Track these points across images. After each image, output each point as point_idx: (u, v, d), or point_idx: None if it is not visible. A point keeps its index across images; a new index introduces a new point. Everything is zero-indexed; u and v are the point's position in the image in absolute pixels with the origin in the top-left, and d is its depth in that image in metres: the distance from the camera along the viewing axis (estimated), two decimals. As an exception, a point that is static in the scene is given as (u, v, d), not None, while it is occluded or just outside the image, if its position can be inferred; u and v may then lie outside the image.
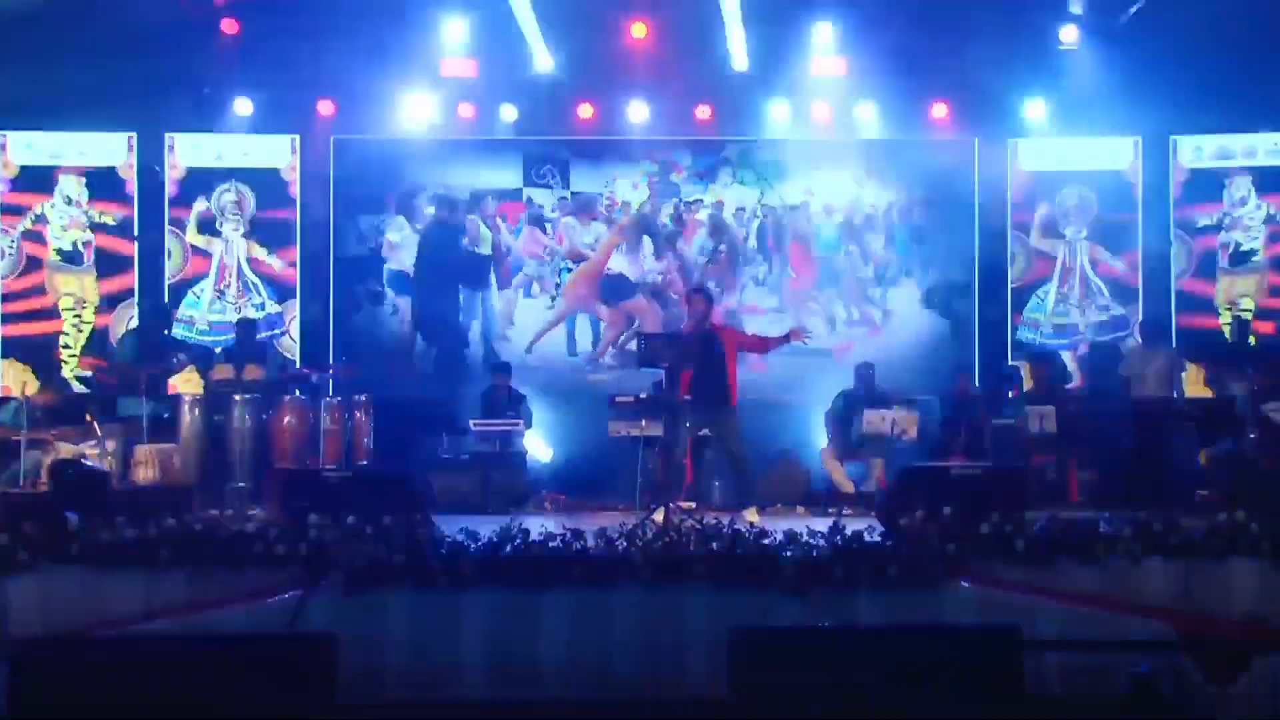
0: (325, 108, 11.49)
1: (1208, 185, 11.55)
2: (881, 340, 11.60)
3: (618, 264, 11.84)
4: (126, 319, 11.33)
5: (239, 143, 11.57)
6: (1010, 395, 10.58)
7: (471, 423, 10.26)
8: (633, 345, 11.54)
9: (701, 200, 11.87)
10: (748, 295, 11.79)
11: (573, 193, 11.87)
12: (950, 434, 10.16)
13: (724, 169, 11.91)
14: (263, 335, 10.91)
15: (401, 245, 11.79)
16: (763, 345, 9.30)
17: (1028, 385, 10.65)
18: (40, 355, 11.25)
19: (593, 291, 11.84)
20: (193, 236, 11.62)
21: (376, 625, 6.18)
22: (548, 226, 11.83)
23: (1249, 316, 11.21)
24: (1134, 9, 10.76)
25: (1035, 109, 11.43)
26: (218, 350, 10.51)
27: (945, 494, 6.84)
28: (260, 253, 11.67)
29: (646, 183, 11.86)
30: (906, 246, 11.79)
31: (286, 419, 9.27)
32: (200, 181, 11.61)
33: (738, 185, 11.89)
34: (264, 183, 11.66)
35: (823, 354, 11.33)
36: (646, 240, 11.86)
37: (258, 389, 9.33)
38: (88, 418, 8.93)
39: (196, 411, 9.16)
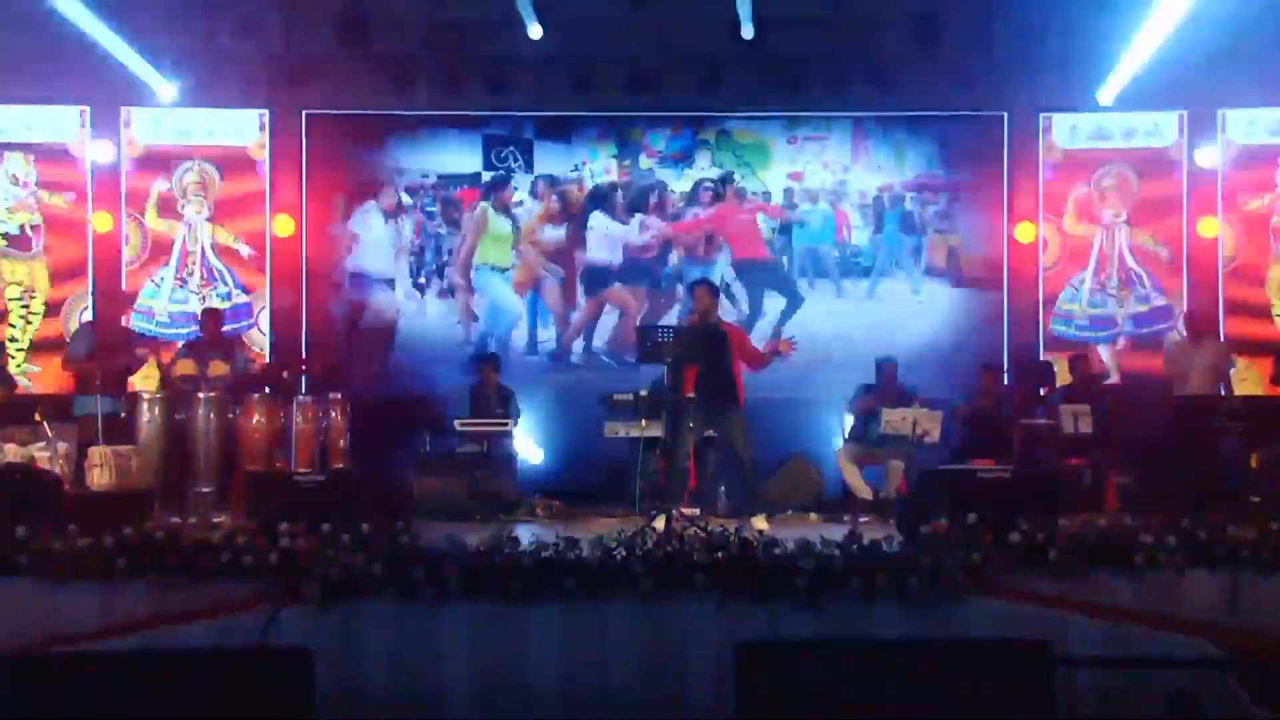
0: (296, 79, 11.50)
1: (1260, 163, 11.59)
2: (899, 333, 11.66)
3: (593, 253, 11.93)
4: (80, 310, 11.37)
5: (203, 118, 11.60)
6: (1042, 393, 10.63)
7: (456, 422, 10.31)
8: (604, 341, 11.64)
9: (667, 184, 11.92)
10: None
11: (536, 178, 11.93)
12: (976, 435, 10.21)
13: (701, 151, 11.95)
14: (229, 327, 10.93)
15: (380, 230, 11.86)
16: (759, 360, 9.17)
17: (1061, 382, 10.70)
18: (-16, 349, 11.31)
19: (537, 267, 11.92)
20: (152, 220, 11.66)
21: (354, 640, 6.21)
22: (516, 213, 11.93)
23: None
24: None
25: (1071, 80, 11.45)
26: (180, 344, 10.56)
27: (971, 499, 6.90)
28: (226, 238, 11.71)
29: (617, 167, 11.92)
30: (922, 231, 11.86)
31: (255, 418, 9.31)
32: (160, 160, 11.66)
33: (716, 169, 11.95)
34: (230, 161, 11.70)
35: (823, 347, 11.43)
36: (598, 216, 11.88)
37: (224, 385, 9.37)
38: (37, 417, 8.97)
39: (156, 410, 9.21)
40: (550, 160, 11.94)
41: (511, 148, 11.91)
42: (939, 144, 11.85)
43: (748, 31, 11.00)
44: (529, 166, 11.93)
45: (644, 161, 11.95)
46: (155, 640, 6.13)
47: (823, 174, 11.90)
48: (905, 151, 11.86)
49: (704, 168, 11.95)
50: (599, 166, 11.93)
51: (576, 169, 11.94)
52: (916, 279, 11.86)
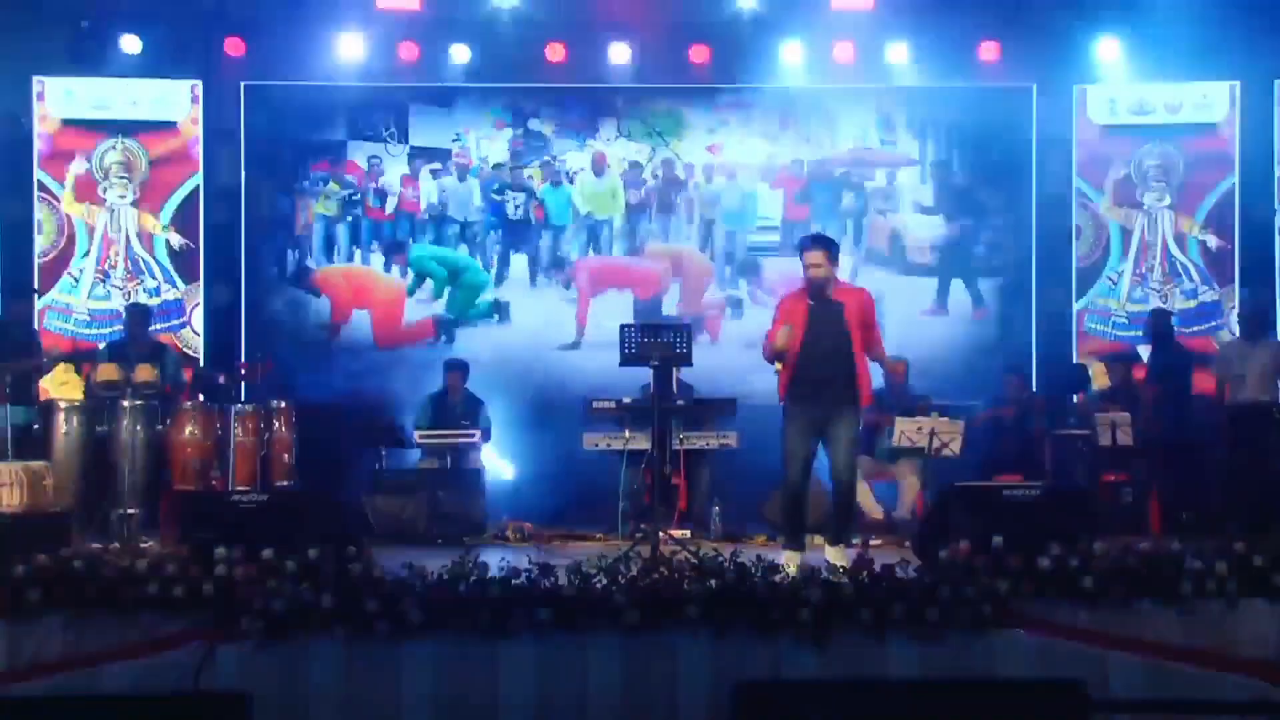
0: (233, 47, 11.50)
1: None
2: (906, 334, 11.72)
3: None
4: (-14, 307, 11.33)
5: (126, 89, 11.58)
6: (1075, 400, 10.66)
7: (417, 434, 10.29)
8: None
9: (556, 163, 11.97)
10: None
11: (412, 148, 11.96)
12: (1001, 447, 10.23)
13: (605, 120, 11.99)
14: (158, 327, 10.92)
15: (329, 216, 11.91)
16: (880, 350, 8.09)
17: (1097, 387, 10.73)
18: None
19: None
20: (69, 205, 11.62)
21: (299, 682, 6.21)
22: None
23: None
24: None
25: (1108, 48, 11.53)
26: (101, 345, 10.52)
27: (995, 520, 6.90)
28: (154, 225, 11.67)
29: (507, 136, 11.96)
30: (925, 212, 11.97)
31: (188, 430, 9.29)
32: (78, 137, 11.61)
33: (623, 140, 11.98)
34: (158, 138, 11.66)
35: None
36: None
37: (151, 393, 9.34)
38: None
39: (75, 421, 9.17)
40: (428, 130, 11.96)
41: (380, 112, 11.93)
42: (959, 119, 11.88)
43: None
44: (403, 136, 11.96)
45: (535, 124, 11.95)
46: (71, 684, 6.12)
47: (758, 146, 11.99)
48: (952, 123, 11.94)
49: (609, 138, 11.99)
50: (483, 136, 11.96)
51: (458, 138, 11.97)
52: (966, 269, 11.96)
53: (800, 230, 11.56)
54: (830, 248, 7.94)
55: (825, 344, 7.77)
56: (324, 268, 11.91)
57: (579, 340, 11.86)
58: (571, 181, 11.98)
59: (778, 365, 7.76)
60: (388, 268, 11.94)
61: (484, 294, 11.93)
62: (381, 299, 11.95)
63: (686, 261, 12.02)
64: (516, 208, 11.90)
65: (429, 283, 11.90)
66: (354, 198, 11.91)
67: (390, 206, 11.94)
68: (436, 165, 11.92)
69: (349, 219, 11.92)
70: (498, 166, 11.92)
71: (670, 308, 11.95)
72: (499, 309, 11.93)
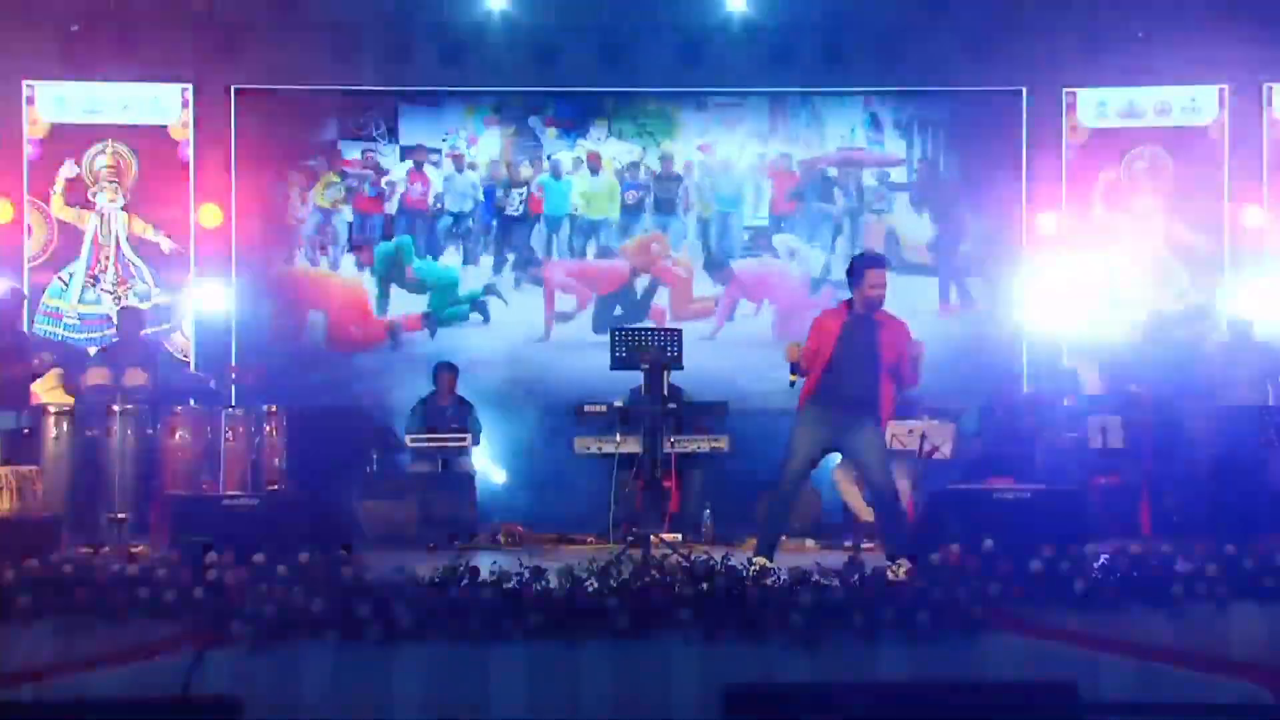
0: (223, 51, 11.48)
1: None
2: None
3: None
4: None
5: (117, 93, 11.56)
6: (1066, 403, 10.66)
7: (407, 438, 10.29)
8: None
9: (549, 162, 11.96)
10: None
11: (402, 147, 11.96)
12: (993, 450, 10.23)
13: (596, 120, 11.98)
14: (148, 331, 10.89)
15: (319, 218, 11.88)
16: (913, 375, 7.94)
17: (1088, 390, 10.73)
18: None
19: None
20: (59, 209, 11.59)
21: (291, 686, 6.20)
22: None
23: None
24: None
25: (1097, 52, 11.53)
26: (91, 350, 10.49)
27: (987, 523, 6.92)
28: (144, 229, 11.65)
29: (497, 135, 11.94)
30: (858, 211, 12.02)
31: (178, 434, 9.28)
32: (68, 140, 11.59)
33: (614, 140, 11.98)
34: (148, 142, 11.65)
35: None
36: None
37: (142, 397, 9.32)
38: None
39: (65, 425, 9.14)
40: (418, 129, 11.98)
41: (371, 111, 11.91)
42: (947, 123, 11.91)
43: (736, 2, 11.08)
44: (393, 135, 11.96)
45: (532, 123, 11.94)
46: (61, 689, 6.10)
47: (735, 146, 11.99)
48: (942, 126, 11.95)
49: (600, 139, 11.99)
50: (475, 135, 11.95)
51: (447, 137, 11.97)
52: (957, 272, 11.98)
53: (792, 228, 11.67)
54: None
55: (855, 357, 7.78)
56: (295, 269, 11.91)
57: (546, 336, 11.89)
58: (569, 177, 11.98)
59: (793, 377, 7.82)
60: (372, 275, 11.94)
61: (466, 295, 11.95)
62: (342, 301, 11.96)
63: (672, 260, 12.01)
64: (520, 203, 11.90)
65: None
66: (349, 195, 11.91)
67: (391, 207, 11.94)
68: (435, 155, 11.91)
69: (346, 222, 11.92)
70: (492, 164, 11.91)
71: (663, 310, 11.96)
72: (481, 308, 11.95)
